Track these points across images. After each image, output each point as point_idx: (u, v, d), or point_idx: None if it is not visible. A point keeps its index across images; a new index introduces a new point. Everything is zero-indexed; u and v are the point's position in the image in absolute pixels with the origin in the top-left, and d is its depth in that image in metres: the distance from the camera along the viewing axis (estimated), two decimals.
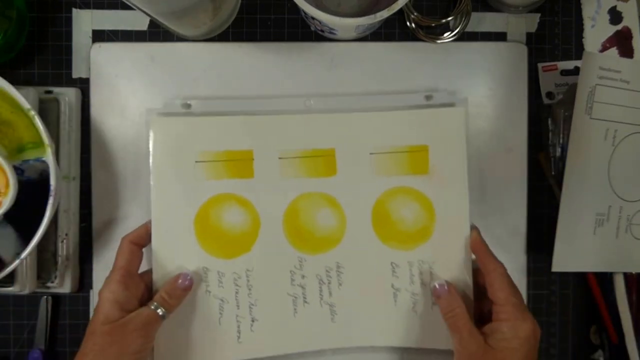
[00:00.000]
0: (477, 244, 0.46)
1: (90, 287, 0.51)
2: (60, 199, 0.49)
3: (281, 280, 0.48)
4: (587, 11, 0.53)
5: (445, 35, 0.51)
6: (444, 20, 0.51)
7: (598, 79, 0.46)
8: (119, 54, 0.51)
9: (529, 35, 0.52)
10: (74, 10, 0.51)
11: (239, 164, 0.48)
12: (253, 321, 0.47)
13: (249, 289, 0.47)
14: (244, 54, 0.51)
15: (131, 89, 0.51)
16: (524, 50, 0.52)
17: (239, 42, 0.51)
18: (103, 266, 0.51)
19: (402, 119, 0.48)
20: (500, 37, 0.52)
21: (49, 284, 0.50)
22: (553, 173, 0.51)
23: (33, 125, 0.45)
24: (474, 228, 0.47)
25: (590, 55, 0.46)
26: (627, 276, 0.50)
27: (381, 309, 0.48)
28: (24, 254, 0.43)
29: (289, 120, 0.48)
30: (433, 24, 0.51)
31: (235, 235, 0.48)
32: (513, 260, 0.51)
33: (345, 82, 0.51)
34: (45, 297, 0.51)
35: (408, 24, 0.52)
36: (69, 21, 0.51)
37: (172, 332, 0.46)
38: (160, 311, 0.43)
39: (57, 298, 0.51)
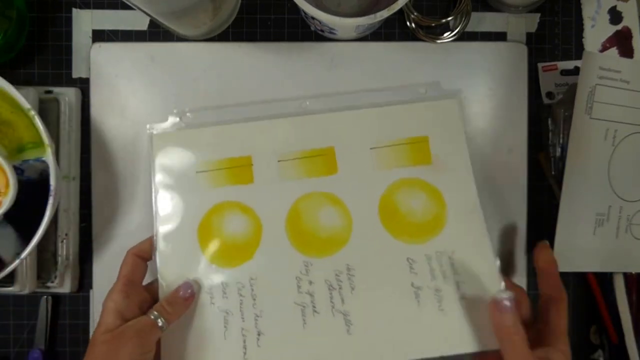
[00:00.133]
0: (551, 266, 0.44)
1: (90, 287, 0.51)
2: (60, 199, 0.49)
3: (287, 288, 0.46)
4: (587, 11, 0.53)
5: (445, 35, 0.51)
6: (444, 20, 0.51)
7: (598, 78, 0.46)
8: (119, 54, 0.51)
9: (529, 35, 0.52)
10: (74, 10, 0.51)
11: (239, 170, 0.47)
12: (259, 335, 0.45)
13: (254, 299, 0.46)
14: (244, 54, 0.51)
15: (131, 89, 0.51)
16: (524, 50, 0.52)
17: (239, 42, 0.51)
18: (103, 266, 0.51)
19: (399, 112, 0.48)
20: (500, 37, 0.52)
21: (49, 284, 0.50)
22: (553, 173, 0.51)
23: (33, 125, 0.45)
24: (544, 245, 0.44)
25: (590, 55, 0.46)
26: (627, 276, 0.50)
27: (403, 313, 0.45)
28: (24, 254, 0.43)
29: (285, 123, 0.48)
30: (433, 24, 0.51)
31: (237, 242, 0.47)
32: (513, 260, 0.51)
33: (345, 82, 0.51)
34: (45, 297, 0.51)
35: (408, 23, 0.52)
36: (69, 21, 0.51)
37: (177, 347, 0.45)
38: (159, 321, 0.42)
39: (57, 298, 0.51)
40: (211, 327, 0.45)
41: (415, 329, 0.44)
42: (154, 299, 0.45)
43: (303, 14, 0.49)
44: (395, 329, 0.44)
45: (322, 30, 0.50)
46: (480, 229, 0.46)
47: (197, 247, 0.46)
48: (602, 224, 0.48)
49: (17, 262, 0.43)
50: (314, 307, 0.45)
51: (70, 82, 0.51)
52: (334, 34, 0.49)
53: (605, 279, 0.51)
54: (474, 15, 0.52)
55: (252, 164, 0.47)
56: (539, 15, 0.52)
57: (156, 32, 0.52)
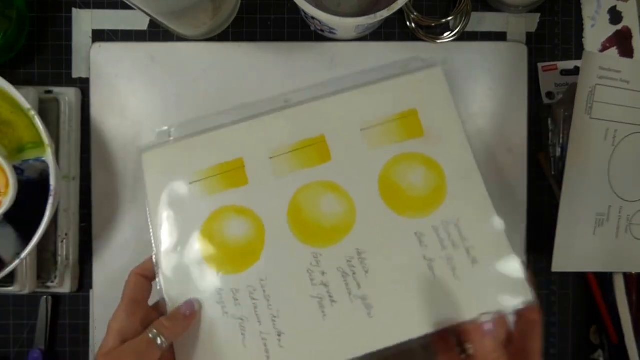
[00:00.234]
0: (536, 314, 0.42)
1: (90, 287, 0.51)
2: (60, 198, 0.49)
3: (300, 283, 0.45)
4: (587, 11, 0.53)
5: (445, 35, 0.51)
6: (444, 20, 0.51)
7: (598, 78, 0.46)
8: (119, 54, 0.51)
9: (529, 35, 0.52)
10: (74, 10, 0.51)
11: (232, 174, 0.47)
12: (279, 335, 0.44)
13: (268, 300, 0.44)
14: (244, 54, 0.51)
15: (131, 89, 0.51)
16: (524, 50, 0.52)
17: (238, 42, 0.51)
18: (103, 266, 0.51)
19: (383, 90, 0.48)
20: (500, 37, 0.52)
21: (49, 284, 0.50)
22: (553, 173, 0.51)
23: (33, 125, 0.45)
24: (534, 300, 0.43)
25: (590, 55, 0.46)
26: (627, 276, 0.50)
27: (420, 287, 0.44)
28: (24, 254, 0.44)
29: (271, 120, 0.48)
30: (433, 24, 0.51)
31: (241, 246, 0.46)
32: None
33: (345, 82, 0.51)
34: (45, 297, 0.51)
35: (408, 23, 0.52)
36: (69, 21, 0.51)
37: None
38: (159, 339, 0.40)
39: (57, 298, 0.51)
40: (228, 338, 0.44)
41: (434, 300, 0.44)
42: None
43: (303, 14, 0.49)
44: (415, 304, 0.44)
45: (322, 30, 0.50)
46: (481, 192, 0.46)
47: (200, 258, 0.45)
48: (602, 224, 0.48)
49: (17, 262, 0.43)
50: (330, 297, 0.44)
51: (70, 82, 0.51)
52: (334, 34, 0.49)
53: (605, 279, 0.51)
54: (474, 15, 0.52)
55: (244, 166, 0.47)
56: (539, 15, 0.52)
57: (156, 32, 0.52)
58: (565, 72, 0.52)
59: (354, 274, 0.45)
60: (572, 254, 0.48)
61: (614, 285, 0.50)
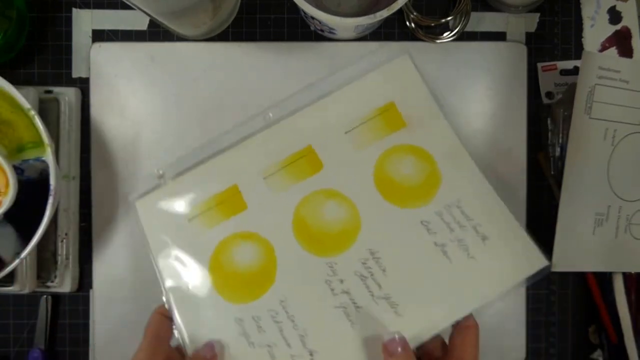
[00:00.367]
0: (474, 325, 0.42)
1: (90, 286, 0.51)
2: (60, 198, 0.49)
3: (321, 296, 0.44)
4: (587, 11, 0.53)
5: (445, 35, 0.51)
6: (443, 20, 0.51)
7: (597, 78, 0.46)
8: (119, 54, 0.51)
9: (528, 35, 0.52)
10: (74, 10, 0.51)
11: (229, 202, 0.46)
12: (312, 354, 0.43)
13: (292, 321, 0.44)
14: (244, 53, 0.51)
15: (131, 89, 0.51)
16: (523, 50, 0.52)
17: (238, 42, 0.51)
18: (103, 266, 0.51)
19: (358, 89, 0.48)
20: (499, 36, 0.52)
21: (49, 284, 0.50)
22: (552, 173, 0.51)
23: (33, 125, 0.45)
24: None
25: (590, 55, 0.46)
26: (627, 276, 0.50)
27: (439, 274, 0.44)
28: (23, 254, 0.44)
29: (256, 141, 0.47)
30: (432, 24, 0.51)
31: (254, 272, 0.45)
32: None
33: (345, 81, 0.51)
34: (45, 296, 0.51)
35: (407, 23, 0.52)
36: (69, 21, 0.51)
37: None
38: None
39: (57, 297, 0.51)
40: None
41: (456, 284, 0.44)
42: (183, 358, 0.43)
43: (303, 13, 0.49)
44: (438, 292, 0.44)
45: (321, 30, 0.50)
46: (472, 169, 0.46)
47: (214, 293, 0.45)
48: (602, 224, 0.48)
49: (17, 261, 0.44)
50: (354, 303, 0.44)
51: (70, 82, 0.51)
52: (333, 33, 0.49)
53: (604, 279, 0.51)
54: (474, 15, 0.52)
55: (240, 191, 0.46)
56: (538, 15, 0.52)
57: (156, 32, 0.52)
58: (564, 72, 0.52)
59: (372, 275, 0.44)
60: (572, 253, 0.48)
61: (613, 285, 0.50)
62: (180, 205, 0.46)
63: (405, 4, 0.42)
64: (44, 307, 0.51)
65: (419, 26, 0.52)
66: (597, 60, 0.46)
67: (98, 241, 0.51)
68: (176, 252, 0.46)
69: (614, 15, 0.52)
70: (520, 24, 0.52)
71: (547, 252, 0.47)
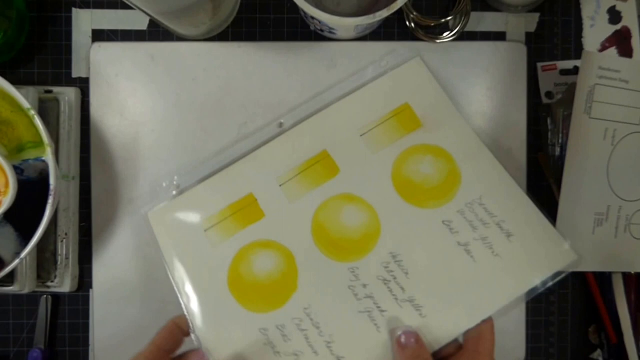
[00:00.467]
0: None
1: (90, 286, 0.51)
2: (60, 198, 0.49)
3: (345, 302, 0.44)
4: (587, 11, 0.53)
5: (445, 35, 0.51)
6: (443, 20, 0.51)
7: (597, 78, 0.46)
8: (118, 54, 0.51)
9: (528, 35, 0.52)
10: (74, 10, 0.51)
11: (245, 211, 0.46)
12: None
13: (318, 328, 0.43)
14: (244, 53, 0.51)
15: (131, 89, 0.51)
16: (523, 50, 0.52)
17: (238, 42, 0.51)
18: (103, 266, 0.51)
19: (371, 92, 0.48)
20: (499, 36, 0.52)
21: (49, 284, 0.50)
22: (552, 173, 0.51)
23: (33, 124, 0.45)
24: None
25: (590, 55, 0.46)
26: (626, 276, 0.50)
27: (463, 275, 0.44)
28: (23, 254, 0.44)
29: (270, 148, 0.47)
30: (432, 24, 0.51)
31: (275, 280, 0.45)
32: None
33: (345, 81, 0.51)
34: (45, 296, 0.51)
35: (407, 23, 0.52)
36: (68, 21, 0.51)
37: None
38: None
39: (56, 297, 0.51)
40: None
41: (481, 284, 0.44)
42: None
43: (303, 13, 0.49)
44: (463, 293, 0.43)
45: (321, 30, 0.50)
46: (494, 164, 0.46)
47: (236, 305, 0.44)
48: (601, 224, 0.48)
49: (17, 261, 0.44)
50: (379, 307, 0.44)
51: (70, 81, 0.51)
52: (333, 33, 0.49)
53: (604, 279, 0.51)
54: (474, 15, 0.52)
55: (256, 200, 0.46)
56: (538, 15, 0.52)
57: (156, 32, 0.52)
58: (564, 72, 0.52)
59: (394, 278, 0.44)
60: None
61: (613, 285, 0.50)
62: (195, 216, 0.46)
63: (405, 4, 0.42)
64: (44, 307, 0.51)
65: (419, 26, 0.52)
66: (597, 60, 0.46)
67: (98, 241, 0.51)
68: (193, 263, 0.45)
69: (614, 15, 0.52)
70: (520, 24, 0.52)
71: None
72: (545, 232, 0.45)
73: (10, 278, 0.47)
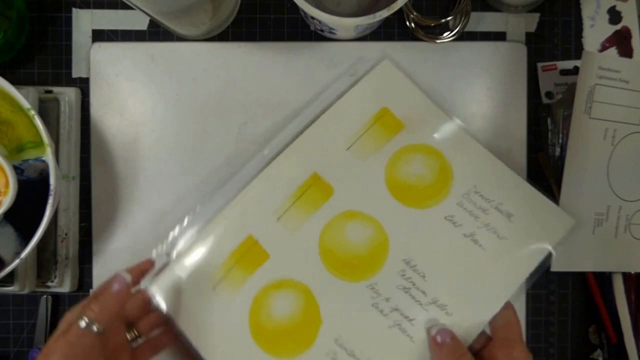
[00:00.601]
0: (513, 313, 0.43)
1: (90, 286, 0.51)
2: (60, 198, 0.49)
3: (373, 321, 0.43)
4: (587, 11, 0.53)
5: (445, 34, 0.51)
6: (443, 20, 0.51)
7: (597, 78, 0.46)
8: (118, 54, 0.51)
9: (528, 35, 0.52)
10: (74, 10, 0.51)
11: (249, 255, 0.44)
12: None
13: (354, 356, 0.43)
14: (244, 53, 0.51)
15: (131, 89, 0.51)
16: (523, 50, 0.52)
17: (238, 42, 0.51)
18: (103, 266, 0.51)
19: (347, 103, 0.48)
20: (499, 36, 0.52)
21: (49, 284, 0.50)
22: (552, 173, 0.51)
23: (33, 124, 0.45)
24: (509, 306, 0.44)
25: (590, 55, 0.46)
26: (626, 276, 0.50)
27: (476, 264, 0.44)
28: (23, 254, 0.44)
29: (259, 184, 0.46)
30: (432, 24, 0.51)
31: (298, 319, 0.44)
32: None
33: (345, 82, 0.51)
34: (45, 296, 0.51)
35: (407, 23, 0.52)
36: (68, 21, 0.51)
37: None
38: (94, 327, 0.37)
39: (56, 297, 0.51)
40: None
41: (495, 269, 0.44)
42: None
43: (303, 13, 0.49)
44: (480, 282, 0.44)
45: (321, 30, 0.50)
46: (481, 151, 0.47)
47: (265, 356, 0.43)
48: (601, 224, 0.48)
49: (17, 261, 0.44)
50: (406, 317, 0.44)
51: (70, 81, 0.51)
52: (333, 33, 0.49)
53: (604, 279, 0.51)
54: (474, 15, 0.52)
55: (256, 241, 0.45)
56: (538, 15, 0.52)
57: (156, 32, 0.52)
58: (564, 72, 0.52)
59: (414, 284, 0.44)
60: (571, 253, 0.48)
61: (613, 285, 0.50)
62: (199, 276, 0.44)
63: (405, 4, 0.42)
64: (44, 307, 0.51)
65: (419, 26, 0.52)
66: (597, 60, 0.46)
67: (98, 241, 0.51)
68: (212, 325, 0.43)
69: (614, 15, 0.52)
70: (520, 24, 0.52)
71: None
72: (540, 204, 0.46)
73: (10, 278, 0.47)
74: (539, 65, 0.52)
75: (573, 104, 0.46)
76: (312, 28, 0.52)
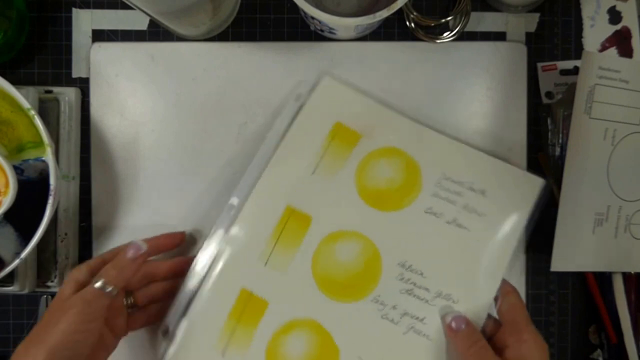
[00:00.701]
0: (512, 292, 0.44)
1: None
2: (60, 198, 0.49)
3: (387, 333, 0.44)
4: (587, 11, 0.53)
5: (445, 34, 0.51)
6: (443, 20, 0.51)
7: (597, 78, 0.46)
8: (118, 54, 0.51)
9: (528, 34, 0.52)
10: (74, 10, 0.51)
11: (248, 310, 0.44)
12: None
13: None
14: (244, 53, 0.51)
15: (131, 89, 0.51)
16: (523, 50, 0.52)
17: (238, 42, 0.51)
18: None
19: (299, 130, 0.47)
20: (499, 36, 0.52)
21: (49, 284, 0.50)
22: (552, 173, 0.51)
23: (33, 124, 0.45)
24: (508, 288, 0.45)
25: (590, 55, 0.46)
26: (626, 276, 0.50)
27: (466, 247, 0.45)
28: (23, 254, 0.44)
29: (236, 233, 0.45)
30: (432, 24, 0.51)
31: (316, 356, 0.44)
32: (512, 259, 0.51)
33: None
34: (45, 296, 0.51)
35: (407, 23, 0.52)
36: (68, 21, 0.51)
37: None
38: (108, 288, 0.40)
39: None
40: None
41: (483, 246, 0.45)
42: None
43: (303, 13, 0.49)
44: (474, 263, 0.45)
45: (321, 30, 0.50)
46: (439, 138, 0.48)
47: None
48: (601, 224, 0.48)
49: (17, 262, 0.44)
50: (417, 318, 0.44)
51: (70, 81, 0.51)
52: (333, 33, 0.49)
53: (604, 279, 0.51)
54: (474, 15, 0.52)
55: (251, 292, 0.44)
56: (538, 15, 0.52)
57: (156, 32, 0.52)
58: (564, 72, 0.52)
59: (415, 284, 0.45)
60: (571, 253, 0.48)
61: (613, 285, 0.50)
62: (204, 347, 0.43)
63: (405, 4, 0.42)
64: (44, 307, 0.51)
65: (419, 26, 0.52)
66: (597, 60, 0.46)
67: (98, 241, 0.51)
68: None
69: (614, 15, 0.52)
70: (520, 24, 0.52)
71: (547, 254, 0.47)
72: (508, 173, 0.47)
73: (10, 278, 0.47)
74: (539, 65, 0.52)
75: (573, 104, 0.46)
76: (312, 28, 0.52)
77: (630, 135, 0.48)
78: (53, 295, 0.51)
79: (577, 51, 0.53)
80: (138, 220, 0.50)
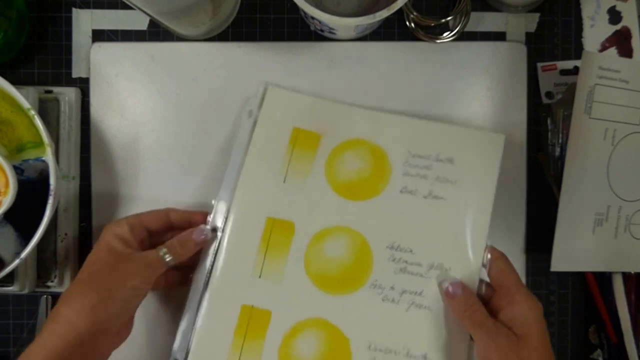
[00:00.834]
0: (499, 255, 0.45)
1: None
2: (60, 198, 0.49)
3: (391, 313, 0.45)
4: (587, 11, 0.53)
5: (445, 34, 0.51)
6: (443, 20, 0.51)
7: (597, 78, 0.46)
8: (118, 54, 0.51)
9: (528, 35, 0.52)
10: (74, 10, 0.51)
11: (253, 323, 0.45)
12: (425, 358, 0.44)
13: (392, 352, 0.44)
14: (244, 53, 0.51)
15: (131, 89, 0.51)
16: (523, 50, 0.52)
17: (238, 42, 0.51)
18: None
19: (259, 142, 0.47)
20: (499, 36, 0.52)
21: (49, 284, 0.50)
22: (552, 173, 0.51)
23: (33, 124, 0.45)
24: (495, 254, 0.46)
25: (590, 55, 0.46)
26: (626, 276, 0.50)
27: (447, 215, 0.46)
28: (23, 254, 0.44)
29: (227, 257, 0.46)
30: (432, 24, 0.51)
31: (328, 351, 0.45)
32: (512, 259, 0.51)
33: (345, 82, 0.51)
34: (45, 296, 0.51)
35: (407, 23, 0.52)
36: (68, 21, 0.51)
37: None
38: (167, 257, 0.43)
39: (56, 297, 0.51)
40: None
41: (462, 212, 0.46)
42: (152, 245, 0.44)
43: (303, 13, 0.49)
44: (457, 229, 0.46)
45: (321, 30, 0.50)
46: (396, 119, 0.48)
47: None
48: (601, 224, 0.48)
49: (17, 262, 0.44)
50: (416, 293, 0.45)
51: (70, 81, 0.51)
52: (333, 33, 0.49)
53: (604, 279, 0.51)
54: (474, 15, 0.52)
55: (252, 307, 0.45)
56: (538, 15, 0.52)
57: (156, 32, 0.52)
58: (564, 72, 0.52)
59: (407, 262, 0.46)
60: (571, 253, 0.48)
61: (613, 285, 0.50)
62: None
63: (405, 4, 0.42)
64: (43, 307, 0.51)
65: (419, 26, 0.52)
66: (597, 60, 0.46)
67: None
68: None
69: (614, 15, 0.52)
70: (520, 24, 0.52)
71: (547, 254, 0.47)
72: (469, 137, 0.48)
73: (10, 278, 0.47)
74: (539, 65, 0.52)
75: (573, 104, 0.46)
76: (312, 28, 0.52)
77: (630, 135, 0.48)
78: (53, 295, 0.51)
79: (577, 51, 0.53)
80: None
